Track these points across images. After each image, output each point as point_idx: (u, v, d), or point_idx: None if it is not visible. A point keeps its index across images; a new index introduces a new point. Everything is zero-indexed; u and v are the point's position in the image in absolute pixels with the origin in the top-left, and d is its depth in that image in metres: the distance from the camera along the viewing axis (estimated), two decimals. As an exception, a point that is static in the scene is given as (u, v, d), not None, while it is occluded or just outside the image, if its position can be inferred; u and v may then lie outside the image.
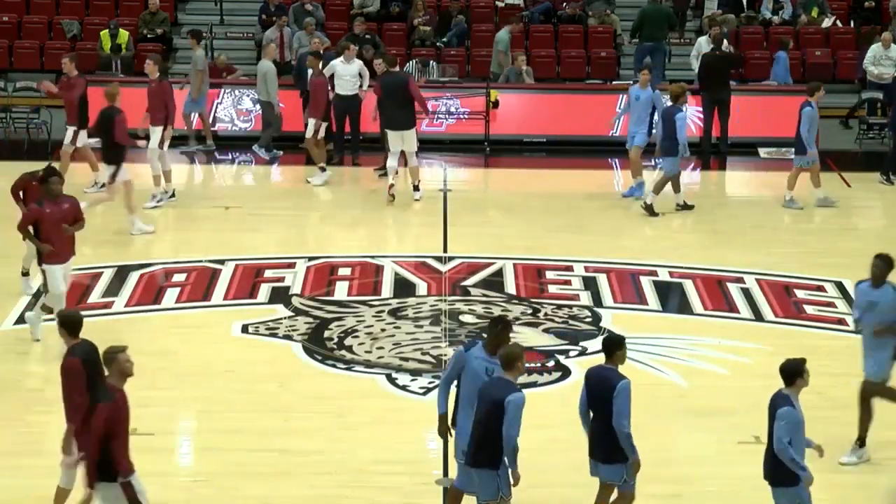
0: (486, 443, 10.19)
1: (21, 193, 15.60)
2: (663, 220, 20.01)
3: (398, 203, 20.98)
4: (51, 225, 14.27)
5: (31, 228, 14.38)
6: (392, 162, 20.65)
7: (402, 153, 20.60)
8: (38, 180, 14.80)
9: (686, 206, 20.42)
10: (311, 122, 21.46)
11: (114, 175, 18.44)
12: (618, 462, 10.60)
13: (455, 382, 10.82)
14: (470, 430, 10.43)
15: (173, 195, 20.23)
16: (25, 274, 16.13)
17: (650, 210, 20.00)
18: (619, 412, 10.42)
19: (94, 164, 20.43)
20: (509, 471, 10.23)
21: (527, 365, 14.41)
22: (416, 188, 20.85)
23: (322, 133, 21.46)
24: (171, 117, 20.09)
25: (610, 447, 10.57)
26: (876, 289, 12.26)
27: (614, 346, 10.75)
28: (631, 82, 25.33)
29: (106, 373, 10.04)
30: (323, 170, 21.50)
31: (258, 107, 23.67)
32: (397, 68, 21.30)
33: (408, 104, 20.43)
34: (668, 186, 20.07)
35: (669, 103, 20.09)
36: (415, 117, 20.78)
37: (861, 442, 12.32)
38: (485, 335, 11.01)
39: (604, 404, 10.51)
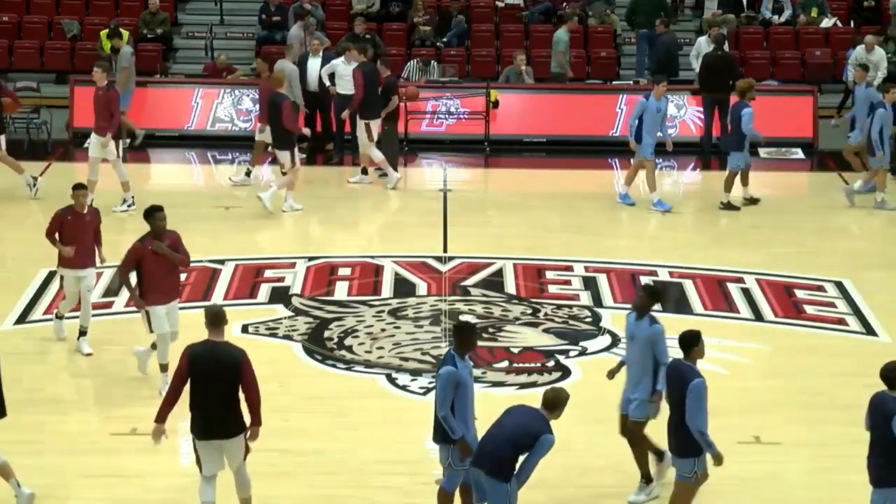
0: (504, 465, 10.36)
1: (57, 235, 14.72)
2: (663, 219, 20.01)
3: (398, 203, 21.01)
4: (154, 265, 13.53)
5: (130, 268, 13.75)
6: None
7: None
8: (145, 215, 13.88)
9: (752, 201, 20.49)
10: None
11: (292, 158, 19.42)
12: (691, 456, 10.66)
13: None
14: (470, 439, 10.68)
15: (132, 204, 19.87)
16: (59, 318, 15.24)
17: (730, 206, 20.24)
18: (690, 410, 10.50)
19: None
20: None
21: (527, 365, 14.55)
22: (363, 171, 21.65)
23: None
24: (116, 125, 19.68)
25: (684, 441, 10.64)
26: (637, 321, 11.62)
27: (691, 342, 10.77)
28: (631, 82, 25.43)
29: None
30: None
31: (257, 107, 23.65)
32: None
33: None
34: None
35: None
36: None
37: (646, 479, 11.66)
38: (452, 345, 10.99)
39: (679, 400, 10.62)
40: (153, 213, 13.57)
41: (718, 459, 10.67)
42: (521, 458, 10.29)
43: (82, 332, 14.66)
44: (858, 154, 21.36)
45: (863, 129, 20.73)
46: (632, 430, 11.63)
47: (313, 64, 23.12)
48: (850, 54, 24.82)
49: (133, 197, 19.77)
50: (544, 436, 10.24)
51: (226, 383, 10.59)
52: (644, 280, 17.09)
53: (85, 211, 14.69)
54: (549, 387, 10.83)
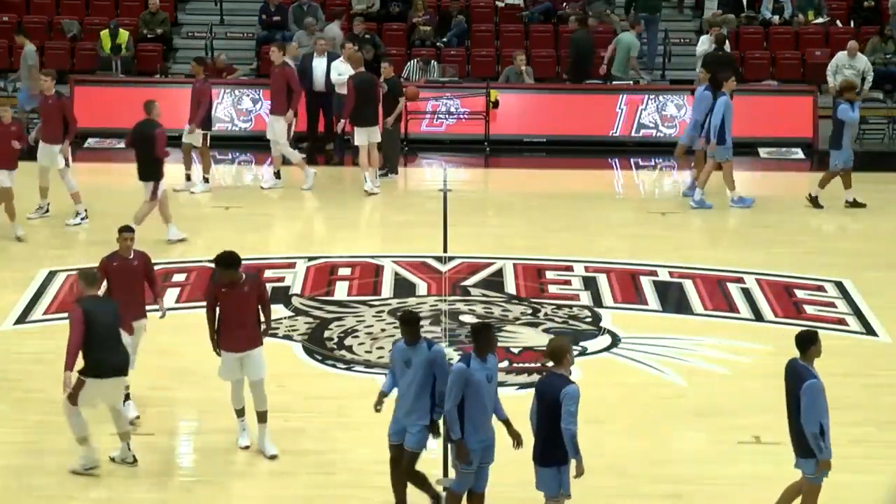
0: (551, 440, 10.29)
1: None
2: (663, 220, 20.02)
3: (398, 203, 21.01)
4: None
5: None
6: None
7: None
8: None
9: (856, 204, 20.53)
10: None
11: (155, 191, 18.20)
12: (812, 456, 10.71)
13: None
14: (480, 441, 10.63)
15: (48, 211, 19.61)
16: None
17: (815, 202, 20.37)
18: (805, 411, 10.54)
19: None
20: (572, 465, 10.34)
21: (527, 365, 14.55)
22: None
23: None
24: (71, 134, 19.46)
25: (804, 441, 10.69)
26: (410, 346, 11.14)
27: (808, 341, 10.82)
28: (631, 82, 25.41)
29: None
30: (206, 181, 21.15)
31: (258, 106, 23.70)
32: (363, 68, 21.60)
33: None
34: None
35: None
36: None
37: None
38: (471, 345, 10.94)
39: (795, 400, 10.66)
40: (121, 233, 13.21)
41: (825, 465, 10.66)
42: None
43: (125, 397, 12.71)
44: (688, 154, 21.20)
45: (701, 129, 20.59)
46: (408, 462, 11.23)
47: (318, 64, 23.13)
48: (832, 62, 24.68)
49: (86, 210, 19.35)
50: (563, 391, 10.17)
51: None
52: (644, 280, 17.10)
53: (131, 255, 13.33)
54: (550, 339, 10.67)
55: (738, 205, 20.45)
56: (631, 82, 25.42)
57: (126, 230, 13.38)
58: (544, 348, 14.91)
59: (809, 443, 10.54)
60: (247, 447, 12.48)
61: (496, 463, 11.00)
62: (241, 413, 12.56)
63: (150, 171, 18.19)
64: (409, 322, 11.15)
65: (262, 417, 12.46)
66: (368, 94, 20.98)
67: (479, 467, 10.82)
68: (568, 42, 25.30)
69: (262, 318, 12.45)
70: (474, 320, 15.54)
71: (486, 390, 10.65)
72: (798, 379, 10.60)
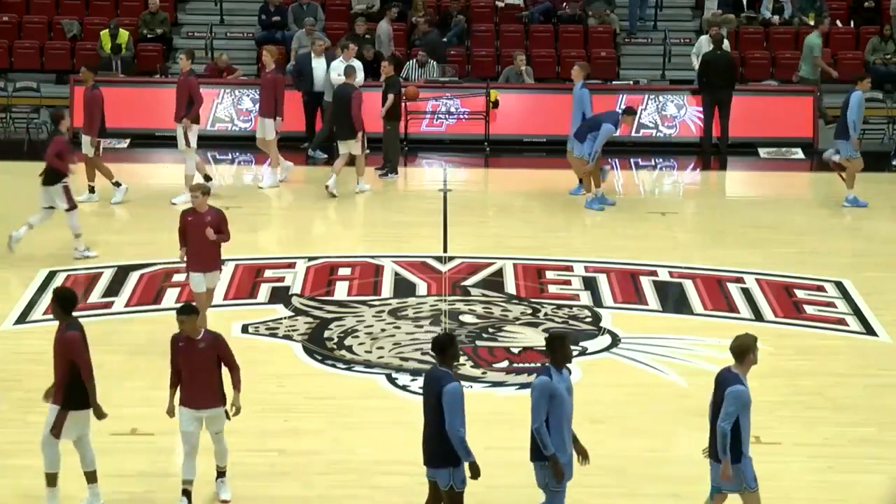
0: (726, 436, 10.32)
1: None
2: (663, 219, 20.03)
3: (398, 203, 21.02)
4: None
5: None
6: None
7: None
8: None
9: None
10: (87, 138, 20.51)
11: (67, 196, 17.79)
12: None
13: None
14: (567, 456, 10.40)
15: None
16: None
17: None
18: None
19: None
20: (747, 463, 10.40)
21: (527, 365, 14.54)
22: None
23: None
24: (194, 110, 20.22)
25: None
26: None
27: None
28: (631, 82, 25.41)
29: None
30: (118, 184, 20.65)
31: (258, 106, 23.69)
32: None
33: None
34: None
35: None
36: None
37: None
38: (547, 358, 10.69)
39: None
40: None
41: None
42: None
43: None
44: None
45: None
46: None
47: (317, 64, 23.14)
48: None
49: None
50: (728, 390, 10.20)
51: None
52: (644, 280, 17.10)
53: (205, 209, 14.48)
54: (736, 336, 10.58)
55: (851, 204, 20.43)
56: (631, 82, 25.41)
57: (195, 188, 14.54)
58: (544, 350, 14.97)
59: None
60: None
61: (496, 463, 11.00)
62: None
63: (54, 177, 17.61)
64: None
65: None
66: (343, 107, 20.86)
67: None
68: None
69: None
70: (474, 320, 15.55)
71: (568, 403, 10.42)
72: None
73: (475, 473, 10.41)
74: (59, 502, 11.51)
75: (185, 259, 14.75)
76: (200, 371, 11.38)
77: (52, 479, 11.44)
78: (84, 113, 20.51)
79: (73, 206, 17.64)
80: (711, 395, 10.50)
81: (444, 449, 10.33)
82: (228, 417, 11.49)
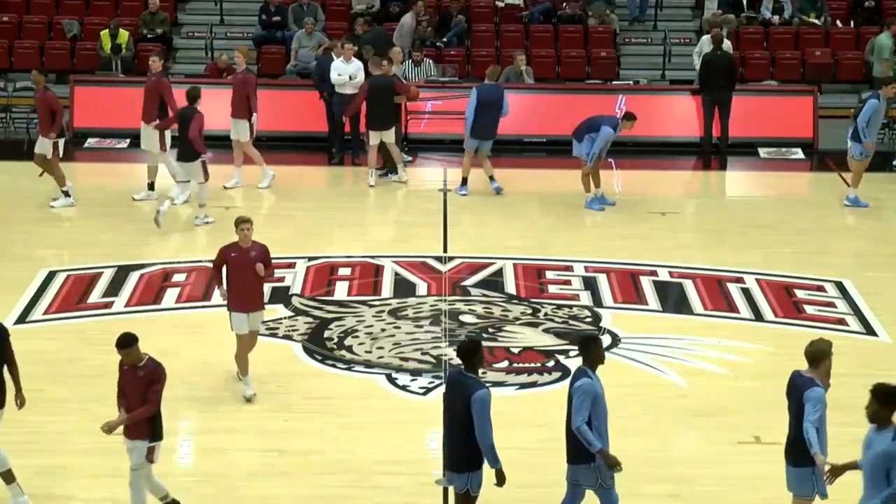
0: (800, 440, 10.34)
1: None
2: (663, 219, 20.02)
3: (399, 203, 21.02)
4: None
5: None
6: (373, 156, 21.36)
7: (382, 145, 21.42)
8: None
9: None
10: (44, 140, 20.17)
11: None
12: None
13: None
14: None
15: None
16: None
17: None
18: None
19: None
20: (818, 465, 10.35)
21: (527, 365, 14.55)
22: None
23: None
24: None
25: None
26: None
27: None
28: (631, 82, 25.40)
29: None
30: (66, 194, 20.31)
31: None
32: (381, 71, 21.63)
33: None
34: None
35: None
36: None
37: None
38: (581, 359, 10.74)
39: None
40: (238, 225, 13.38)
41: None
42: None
43: None
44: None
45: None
46: None
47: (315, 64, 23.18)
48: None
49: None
50: (807, 394, 10.25)
51: None
52: (644, 280, 17.10)
53: (249, 244, 13.46)
54: (811, 341, 10.60)
55: (852, 203, 20.45)
56: (631, 82, 25.42)
57: (243, 220, 13.41)
58: (544, 349, 14.99)
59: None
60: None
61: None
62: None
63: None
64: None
65: None
66: (384, 97, 21.21)
67: (579, 485, 10.69)
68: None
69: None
70: (474, 319, 15.55)
71: (605, 405, 10.51)
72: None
73: (501, 481, 10.48)
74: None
75: (225, 297, 13.73)
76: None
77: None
78: (38, 114, 20.24)
79: (206, 179, 19.03)
80: (787, 399, 10.53)
81: (468, 453, 10.40)
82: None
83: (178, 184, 19.35)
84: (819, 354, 10.44)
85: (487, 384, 14.00)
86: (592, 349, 10.59)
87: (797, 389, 10.42)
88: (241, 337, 13.63)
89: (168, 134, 20.24)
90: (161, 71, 20.63)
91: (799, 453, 10.46)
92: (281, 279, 16.92)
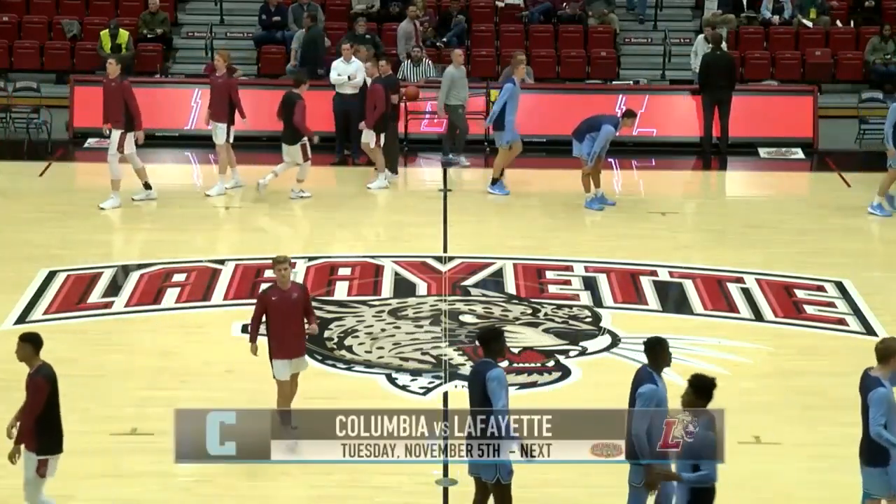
0: (870, 439, 10.27)
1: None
2: (663, 220, 20.01)
3: (399, 203, 21.01)
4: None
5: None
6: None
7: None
8: None
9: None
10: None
11: None
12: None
13: None
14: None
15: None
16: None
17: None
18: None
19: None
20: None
21: (527, 365, 14.55)
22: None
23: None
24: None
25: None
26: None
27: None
28: (631, 82, 25.40)
29: None
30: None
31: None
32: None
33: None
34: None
35: None
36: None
37: None
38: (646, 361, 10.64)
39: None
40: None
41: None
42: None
43: None
44: None
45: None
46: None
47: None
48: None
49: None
50: (871, 395, 10.17)
51: None
52: (644, 280, 17.10)
53: (289, 286, 12.86)
54: (882, 339, 10.50)
55: (877, 211, 20.23)
56: (631, 82, 25.42)
57: (281, 261, 12.75)
58: (544, 349, 14.99)
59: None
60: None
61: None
62: None
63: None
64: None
65: None
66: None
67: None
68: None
69: None
70: (474, 319, 15.54)
71: (666, 409, 10.35)
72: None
73: (526, 452, 10.34)
74: None
75: (256, 352, 12.91)
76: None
77: None
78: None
79: (306, 160, 20.24)
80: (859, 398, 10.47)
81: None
82: None
83: (284, 162, 20.40)
84: (889, 352, 10.35)
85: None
86: (660, 352, 10.44)
87: (864, 389, 10.35)
88: (283, 384, 12.64)
89: (130, 136, 19.90)
90: (120, 75, 20.37)
91: (870, 453, 10.34)
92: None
